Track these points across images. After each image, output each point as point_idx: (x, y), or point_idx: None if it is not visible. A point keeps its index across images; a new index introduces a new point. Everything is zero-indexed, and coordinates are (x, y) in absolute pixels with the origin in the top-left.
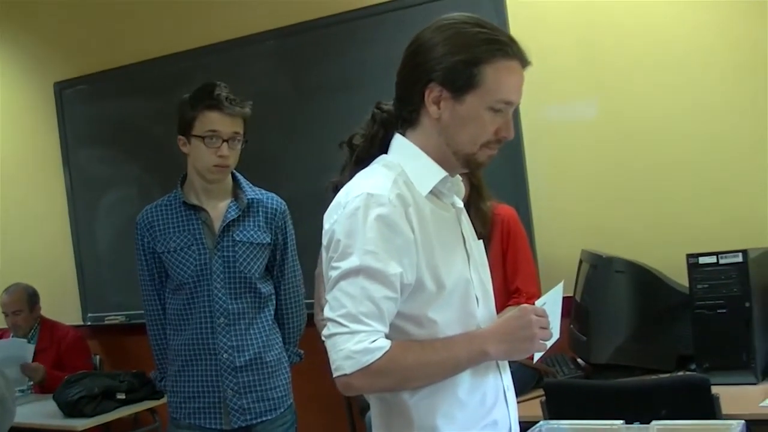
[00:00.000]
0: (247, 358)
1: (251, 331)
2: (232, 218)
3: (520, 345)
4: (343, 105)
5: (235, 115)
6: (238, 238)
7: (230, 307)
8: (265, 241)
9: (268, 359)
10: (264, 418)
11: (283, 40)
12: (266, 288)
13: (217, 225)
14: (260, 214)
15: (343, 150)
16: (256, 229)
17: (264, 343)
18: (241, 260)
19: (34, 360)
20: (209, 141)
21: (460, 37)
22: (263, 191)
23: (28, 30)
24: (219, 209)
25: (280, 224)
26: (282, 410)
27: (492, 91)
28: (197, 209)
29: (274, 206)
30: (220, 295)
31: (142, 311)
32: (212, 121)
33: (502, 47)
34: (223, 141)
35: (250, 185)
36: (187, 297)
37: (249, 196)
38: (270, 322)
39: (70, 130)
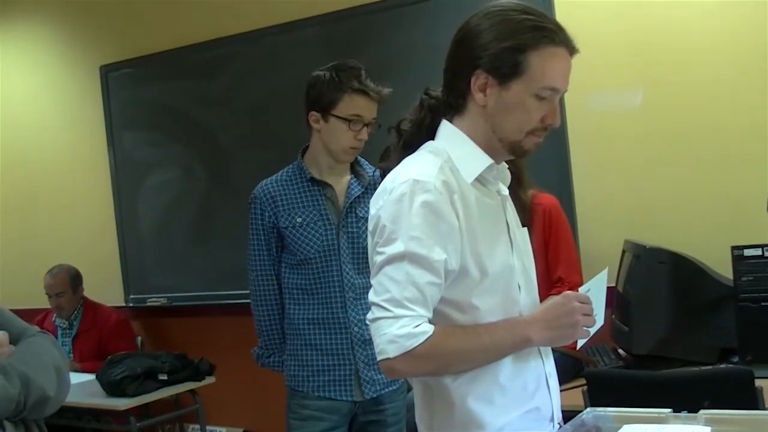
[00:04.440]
0: None
1: None
2: (356, 195)
3: (563, 331)
4: None
5: (378, 101)
6: (361, 215)
7: (356, 281)
8: None
9: None
10: (390, 388)
11: (326, 26)
12: None
13: (341, 201)
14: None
15: (390, 135)
16: None
17: None
18: (365, 236)
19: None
20: (352, 124)
21: (507, 24)
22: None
23: (75, 14)
24: (341, 185)
25: None
26: (401, 380)
27: (538, 78)
28: (323, 185)
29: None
30: (347, 270)
31: (250, 288)
32: (359, 105)
33: (549, 34)
34: (364, 125)
35: (366, 161)
36: (313, 272)
37: (369, 174)
38: None
39: (115, 112)
